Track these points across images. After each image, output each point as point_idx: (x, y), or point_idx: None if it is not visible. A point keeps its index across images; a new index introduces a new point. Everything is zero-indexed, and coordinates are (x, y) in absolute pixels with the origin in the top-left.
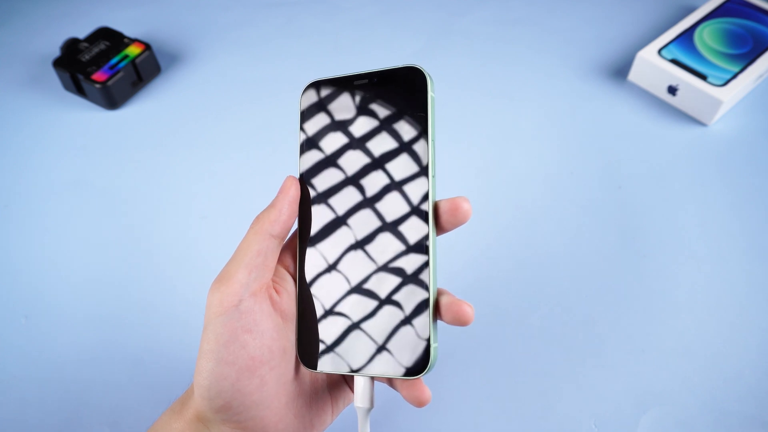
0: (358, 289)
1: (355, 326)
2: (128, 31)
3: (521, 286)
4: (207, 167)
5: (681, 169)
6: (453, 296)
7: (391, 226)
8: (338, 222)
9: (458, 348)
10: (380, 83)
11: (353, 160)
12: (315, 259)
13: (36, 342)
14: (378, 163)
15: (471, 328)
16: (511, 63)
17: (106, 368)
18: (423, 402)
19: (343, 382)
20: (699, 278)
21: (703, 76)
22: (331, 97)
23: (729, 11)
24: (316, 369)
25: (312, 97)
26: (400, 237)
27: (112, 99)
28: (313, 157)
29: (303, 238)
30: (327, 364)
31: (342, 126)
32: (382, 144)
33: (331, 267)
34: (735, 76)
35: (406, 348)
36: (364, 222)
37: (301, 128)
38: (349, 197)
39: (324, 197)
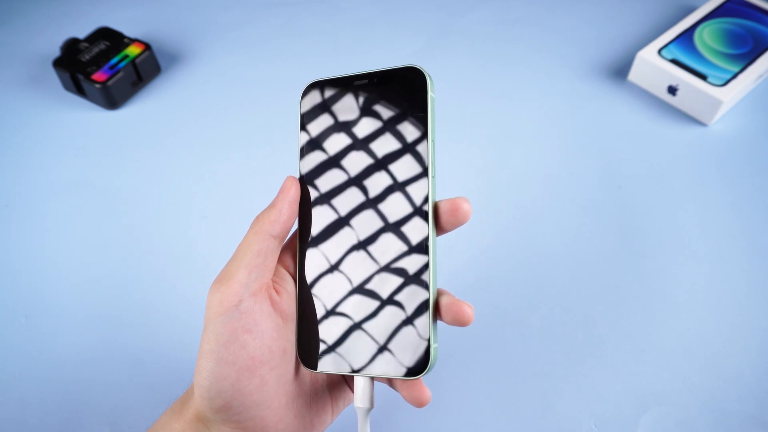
0: (360, 290)
1: (356, 326)
2: (128, 31)
3: (521, 286)
4: (207, 167)
5: (681, 169)
6: (453, 297)
7: (393, 227)
8: (339, 222)
9: (458, 348)
10: (380, 83)
11: (353, 161)
12: (316, 259)
13: (36, 342)
14: (378, 163)
15: (471, 328)
16: (511, 63)
17: (106, 368)
18: (423, 402)
19: (343, 382)
20: (699, 278)
21: (703, 76)
22: (331, 98)
23: (729, 11)
24: (316, 369)
25: (312, 97)
26: (402, 237)
27: (112, 99)
28: (313, 157)
29: (303, 239)
30: (327, 365)
31: (342, 126)
32: (381, 144)
33: (333, 267)
34: (735, 76)
35: (407, 348)
36: (365, 222)
37: (301, 128)
38: (349, 197)
39: (324, 197)
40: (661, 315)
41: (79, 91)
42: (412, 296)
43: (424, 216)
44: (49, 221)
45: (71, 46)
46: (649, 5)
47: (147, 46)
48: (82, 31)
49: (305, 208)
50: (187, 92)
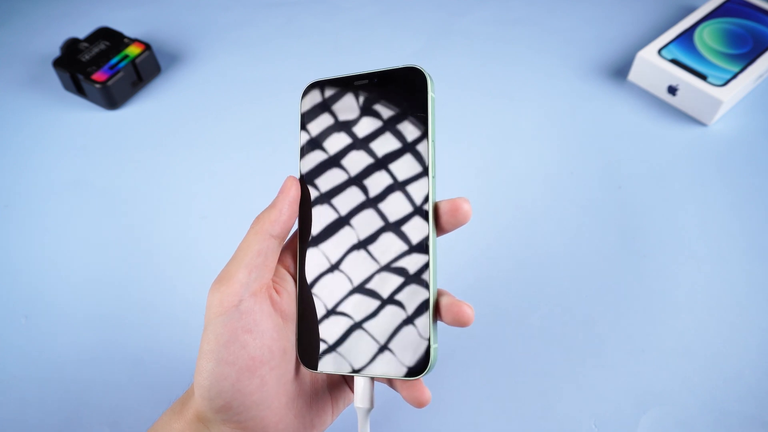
0: (361, 289)
1: (357, 326)
2: (128, 31)
3: (521, 286)
4: (207, 167)
5: (681, 169)
6: (453, 297)
7: (393, 226)
8: (340, 222)
9: (458, 348)
10: (380, 83)
11: (354, 161)
12: (317, 258)
13: (36, 342)
14: (378, 163)
15: (471, 329)
16: (511, 63)
17: (106, 368)
18: (423, 403)
19: (344, 382)
20: (699, 278)
21: (703, 76)
22: (331, 97)
23: (729, 11)
24: (316, 369)
25: (312, 97)
26: (403, 237)
27: (112, 99)
28: (314, 156)
29: (303, 239)
30: (328, 365)
31: (342, 126)
32: (382, 144)
33: (334, 267)
34: (735, 76)
35: (408, 348)
36: (365, 222)
37: (301, 128)
38: (349, 197)
39: (324, 197)
40: (661, 315)
41: (79, 91)
42: (413, 296)
43: (425, 215)
44: (49, 221)
45: (71, 46)
46: (649, 5)
47: (147, 46)
48: (82, 31)
49: (305, 207)
50: (187, 92)
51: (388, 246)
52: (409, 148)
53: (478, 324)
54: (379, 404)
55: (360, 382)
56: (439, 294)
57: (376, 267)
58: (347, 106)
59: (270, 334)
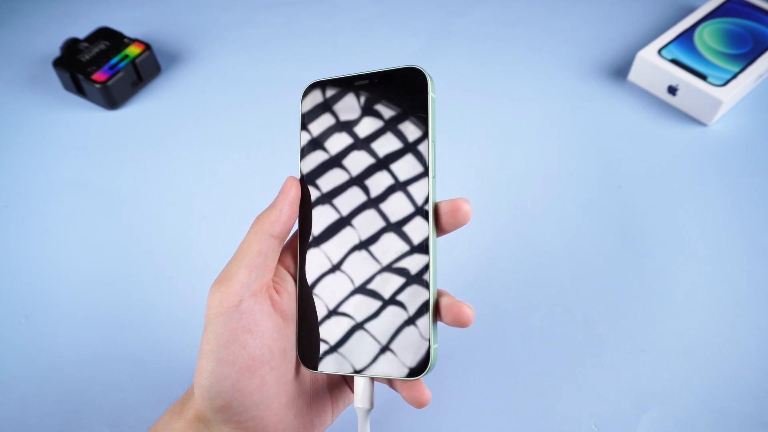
0: (362, 290)
1: (359, 326)
2: (128, 31)
3: (521, 286)
4: (207, 167)
5: (681, 169)
6: (453, 297)
7: (394, 227)
8: (341, 222)
9: (458, 348)
10: (381, 84)
11: (354, 160)
12: (318, 259)
13: (36, 342)
14: (379, 163)
15: (471, 329)
16: (511, 63)
17: (106, 368)
18: (423, 403)
19: (344, 382)
20: (699, 278)
21: (703, 76)
22: (331, 97)
23: (729, 11)
24: (316, 369)
25: (313, 97)
26: (404, 237)
27: (112, 99)
28: (314, 156)
29: (303, 239)
30: (329, 365)
31: (343, 126)
32: (382, 144)
33: (335, 267)
34: (735, 76)
35: (409, 348)
36: (366, 222)
37: (301, 128)
38: (350, 197)
39: (324, 197)
40: (661, 315)
41: (79, 91)
42: (414, 296)
43: (425, 215)
44: (49, 221)
45: (71, 46)
46: (649, 5)
47: (147, 46)
48: (82, 31)
49: (306, 208)
50: (187, 92)
51: (389, 246)
52: (409, 148)
53: (478, 324)
54: (379, 404)
55: (360, 383)
56: (439, 294)
57: (377, 267)
58: (348, 106)
59: (270, 334)
